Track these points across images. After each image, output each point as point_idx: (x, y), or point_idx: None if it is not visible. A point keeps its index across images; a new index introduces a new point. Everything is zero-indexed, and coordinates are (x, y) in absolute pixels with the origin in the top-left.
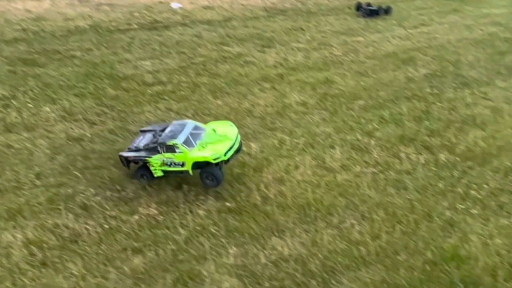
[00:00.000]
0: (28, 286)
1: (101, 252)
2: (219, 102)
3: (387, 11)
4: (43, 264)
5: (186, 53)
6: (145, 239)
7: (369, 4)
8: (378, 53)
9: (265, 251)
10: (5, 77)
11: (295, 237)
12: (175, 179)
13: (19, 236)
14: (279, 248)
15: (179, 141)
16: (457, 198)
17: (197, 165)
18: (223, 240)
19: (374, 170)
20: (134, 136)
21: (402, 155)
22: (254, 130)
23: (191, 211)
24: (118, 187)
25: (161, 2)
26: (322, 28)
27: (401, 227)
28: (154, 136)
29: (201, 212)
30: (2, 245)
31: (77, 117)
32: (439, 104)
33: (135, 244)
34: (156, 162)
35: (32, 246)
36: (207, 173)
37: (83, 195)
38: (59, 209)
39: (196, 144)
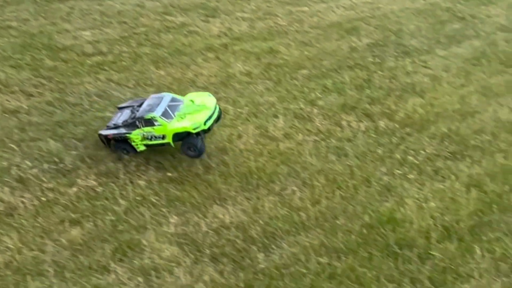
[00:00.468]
0: None
1: (38, 225)
2: (162, 72)
3: None
4: None
5: (128, 23)
6: (84, 211)
7: None
8: (322, 23)
9: (206, 219)
10: None
11: (237, 205)
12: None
13: None
14: (221, 216)
15: (157, 113)
16: (395, 163)
17: (178, 136)
18: (163, 210)
19: (316, 138)
20: (73, 107)
21: (344, 123)
22: None
23: (131, 182)
24: (56, 159)
25: None
26: None
27: (341, 193)
28: (132, 112)
29: (141, 182)
30: None
31: (13, 89)
32: (381, 72)
33: (73, 215)
34: (137, 137)
35: None
36: (188, 143)
37: (19, 168)
38: None
39: (174, 115)
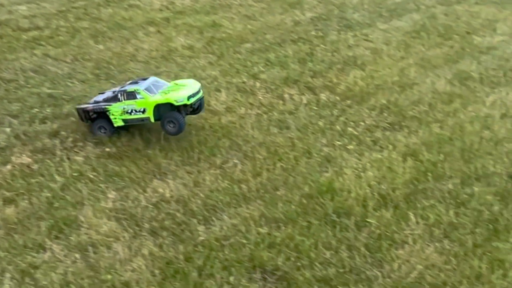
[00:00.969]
0: None
1: None
2: (101, 47)
3: None
4: None
5: None
6: (18, 189)
7: None
8: None
9: (146, 194)
10: None
11: (177, 179)
12: (51, 126)
13: None
14: (161, 190)
15: (140, 87)
16: (335, 135)
17: (158, 113)
18: (101, 185)
19: (258, 111)
20: (8, 83)
21: (286, 96)
22: (138, 75)
23: (68, 158)
24: None
25: None
26: None
27: (282, 164)
28: (113, 92)
29: (79, 158)
30: None
31: None
32: (323, 46)
33: (7, 194)
34: (117, 111)
35: None
36: (170, 117)
37: None
38: None
39: (157, 92)
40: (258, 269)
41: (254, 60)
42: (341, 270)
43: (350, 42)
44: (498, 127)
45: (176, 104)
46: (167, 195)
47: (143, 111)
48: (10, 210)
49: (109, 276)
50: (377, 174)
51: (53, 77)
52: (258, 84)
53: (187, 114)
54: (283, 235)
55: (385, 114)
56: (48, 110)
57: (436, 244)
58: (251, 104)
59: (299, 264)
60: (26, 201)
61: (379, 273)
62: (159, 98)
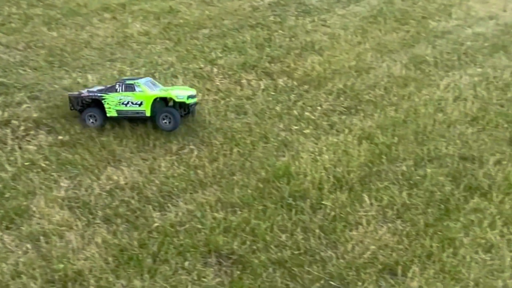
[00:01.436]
0: None
1: None
2: (54, 33)
3: None
4: None
5: None
6: None
7: None
8: None
9: (99, 182)
10: None
11: (132, 166)
12: (2, 115)
13: None
14: (115, 177)
15: (139, 81)
16: (293, 119)
17: (154, 108)
18: (54, 174)
19: (216, 97)
20: None
21: (244, 81)
22: (92, 62)
23: (20, 147)
24: None
25: None
26: None
27: (239, 149)
28: (105, 87)
29: (31, 147)
30: None
31: None
32: (281, 31)
33: None
34: (112, 101)
35: None
36: (166, 112)
37: None
38: None
39: (155, 89)
40: (214, 254)
41: (211, 46)
42: (296, 252)
43: (308, 27)
44: (451, 110)
45: (176, 100)
46: (122, 182)
47: (140, 104)
48: None
49: (61, 266)
50: (333, 157)
51: (4, 65)
52: (215, 70)
53: (180, 116)
54: (239, 220)
55: (342, 99)
56: None
57: (389, 224)
58: (208, 90)
59: (254, 247)
60: None
61: (333, 254)
62: (158, 92)
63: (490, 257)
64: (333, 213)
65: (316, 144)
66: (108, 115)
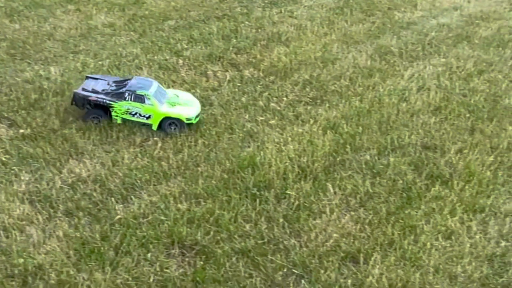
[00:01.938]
0: None
1: None
2: (17, 26)
3: None
4: None
5: None
6: None
7: None
8: None
9: (61, 175)
10: None
11: (95, 159)
12: None
13: None
14: (77, 170)
15: (149, 93)
16: (258, 110)
17: (162, 121)
18: (15, 168)
19: (181, 88)
20: None
21: (210, 73)
22: (55, 54)
23: None
24: None
25: None
26: None
27: (204, 141)
28: (108, 84)
29: None
30: None
31: None
32: (248, 23)
33: None
34: (120, 109)
35: None
36: (172, 120)
37: None
38: None
39: (164, 102)
40: (177, 245)
41: (177, 37)
42: (260, 242)
43: (275, 18)
44: (414, 100)
45: (185, 122)
46: (84, 175)
47: (148, 117)
48: None
49: (21, 260)
50: (298, 147)
51: None
52: (181, 62)
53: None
54: (203, 210)
55: (308, 89)
56: None
57: (352, 213)
58: (173, 81)
59: (218, 237)
60: None
61: (296, 243)
62: (168, 110)
63: (450, 244)
64: (297, 203)
65: (282, 134)
66: (113, 121)
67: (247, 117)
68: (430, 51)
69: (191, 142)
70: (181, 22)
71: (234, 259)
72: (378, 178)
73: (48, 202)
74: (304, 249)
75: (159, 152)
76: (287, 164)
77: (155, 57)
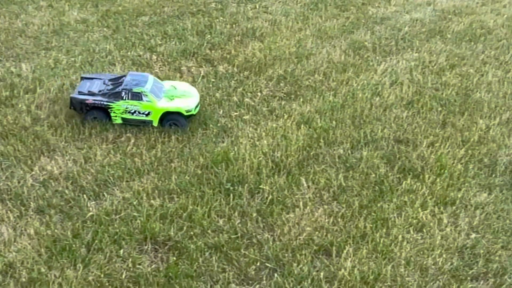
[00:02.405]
0: None
1: None
2: None
3: None
4: None
5: None
6: None
7: None
8: None
9: (33, 173)
10: None
11: (67, 156)
12: None
13: None
14: (49, 168)
15: (146, 89)
16: (233, 106)
17: (161, 116)
18: None
19: None
20: None
21: (184, 68)
22: (27, 51)
23: None
24: None
25: None
26: None
27: (177, 137)
28: (104, 83)
29: None
30: None
31: None
32: (222, 18)
33: None
34: (119, 109)
35: None
36: (174, 120)
37: None
38: None
39: (161, 96)
40: (150, 241)
41: (151, 33)
42: (233, 236)
43: (249, 14)
44: (387, 94)
45: (185, 114)
46: (56, 172)
47: (147, 114)
48: None
49: None
50: (272, 142)
51: None
52: (154, 57)
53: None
54: (176, 206)
55: (282, 84)
56: None
57: (325, 206)
58: None
59: (191, 233)
60: None
61: (270, 237)
62: (167, 105)
63: (421, 236)
64: (270, 197)
65: (256, 129)
66: (114, 122)
67: (221, 112)
68: (403, 46)
69: (164, 138)
70: (155, 18)
71: (207, 254)
72: (351, 172)
73: (19, 200)
74: (277, 243)
75: (132, 148)
76: (261, 159)
77: (129, 53)
